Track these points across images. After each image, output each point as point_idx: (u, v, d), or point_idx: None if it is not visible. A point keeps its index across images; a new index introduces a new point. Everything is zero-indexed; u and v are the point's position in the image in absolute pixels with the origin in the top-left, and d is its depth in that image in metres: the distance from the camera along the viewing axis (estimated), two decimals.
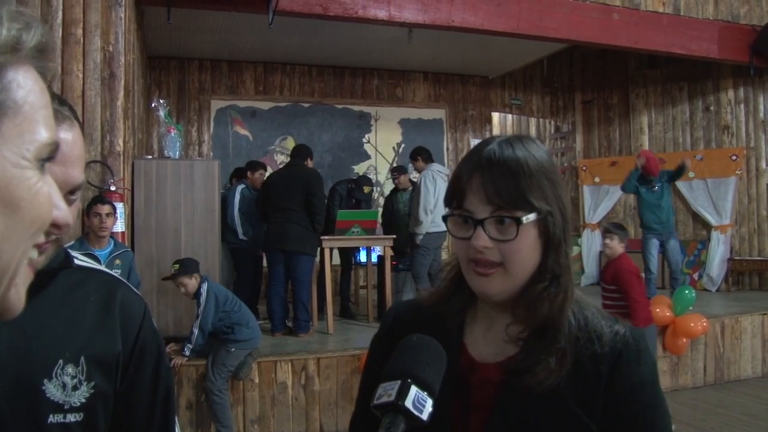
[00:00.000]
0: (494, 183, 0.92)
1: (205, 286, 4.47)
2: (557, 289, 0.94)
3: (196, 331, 4.43)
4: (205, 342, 4.51)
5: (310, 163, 6.30)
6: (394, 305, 1.16)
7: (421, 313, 1.05)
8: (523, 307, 0.95)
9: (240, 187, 6.64)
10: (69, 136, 0.88)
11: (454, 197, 0.96)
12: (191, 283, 4.46)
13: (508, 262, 0.92)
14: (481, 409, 0.95)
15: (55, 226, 0.56)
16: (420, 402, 0.80)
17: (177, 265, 4.51)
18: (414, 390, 0.80)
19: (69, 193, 0.88)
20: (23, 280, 0.53)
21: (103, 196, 4.27)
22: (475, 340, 1.01)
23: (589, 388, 0.92)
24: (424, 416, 0.79)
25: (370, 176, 9.42)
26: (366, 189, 7.14)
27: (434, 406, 0.81)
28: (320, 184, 6.06)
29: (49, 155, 0.53)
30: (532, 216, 0.92)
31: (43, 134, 0.52)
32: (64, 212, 0.57)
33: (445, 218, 0.98)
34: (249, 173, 6.78)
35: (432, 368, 0.84)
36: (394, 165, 9.61)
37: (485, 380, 0.96)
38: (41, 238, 0.54)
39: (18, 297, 0.53)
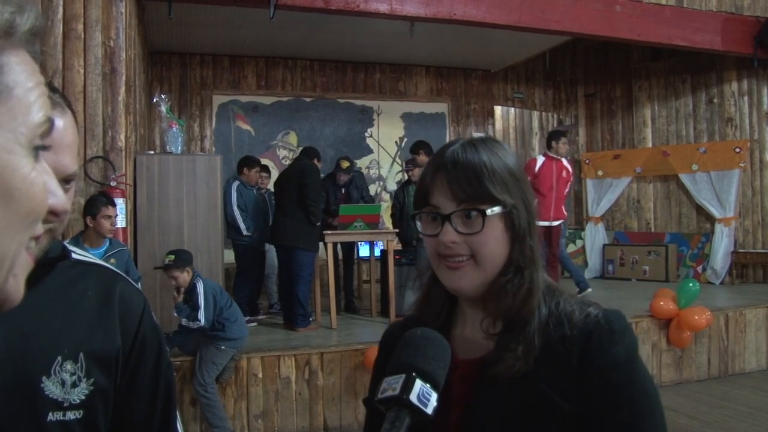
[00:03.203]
0: (458, 179, 0.95)
1: (200, 285, 4.38)
2: (521, 281, 0.96)
3: (203, 322, 4.32)
4: (198, 330, 4.42)
5: (316, 163, 6.27)
6: (388, 328, 1.18)
7: (409, 322, 1.07)
8: (491, 300, 0.98)
9: (235, 184, 6.59)
10: (60, 122, 0.86)
11: (420, 196, 1.00)
12: (183, 276, 4.37)
13: (477, 254, 0.95)
14: (460, 404, 0.97)
15: (53, 213, 0.55)
16: (425, 396, 0.79)
17: (172, 256, 4.40)
18: (419, 384, 0.79)
19: (64, 182, 0.86)
20: (22, 269, 0.52)
21: (109, 197, 4.20)
22: (456, 338, 1.03)
23: (561, 370, 0.92)
24: (429, 410, 0.79)
25: (373, 171, 9.38)
26: (344, 164, 6.85)
27: (439, 400, 0.80)
28: (313, 175, 5.97)
29: (44, 136, 0.51)
30: (497, 209, 0.95)
31: (36, 114, 0.50)
32: (61, 199, 0.55)
33: (413, 217, 1.01)
34: (246, 170, 6.73)
35: (436, 362, 0.84)
36: (398, 158, 9.59)
37: (464, 376, 0.98)
38: (39, 229, 0.53)
39: (17, 287, 0.52)
